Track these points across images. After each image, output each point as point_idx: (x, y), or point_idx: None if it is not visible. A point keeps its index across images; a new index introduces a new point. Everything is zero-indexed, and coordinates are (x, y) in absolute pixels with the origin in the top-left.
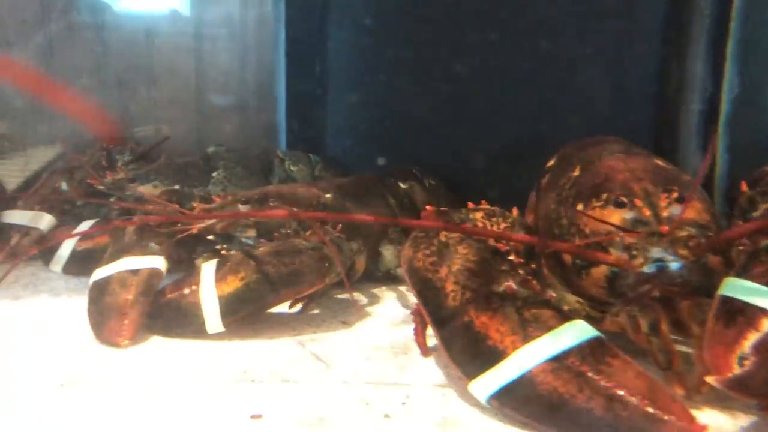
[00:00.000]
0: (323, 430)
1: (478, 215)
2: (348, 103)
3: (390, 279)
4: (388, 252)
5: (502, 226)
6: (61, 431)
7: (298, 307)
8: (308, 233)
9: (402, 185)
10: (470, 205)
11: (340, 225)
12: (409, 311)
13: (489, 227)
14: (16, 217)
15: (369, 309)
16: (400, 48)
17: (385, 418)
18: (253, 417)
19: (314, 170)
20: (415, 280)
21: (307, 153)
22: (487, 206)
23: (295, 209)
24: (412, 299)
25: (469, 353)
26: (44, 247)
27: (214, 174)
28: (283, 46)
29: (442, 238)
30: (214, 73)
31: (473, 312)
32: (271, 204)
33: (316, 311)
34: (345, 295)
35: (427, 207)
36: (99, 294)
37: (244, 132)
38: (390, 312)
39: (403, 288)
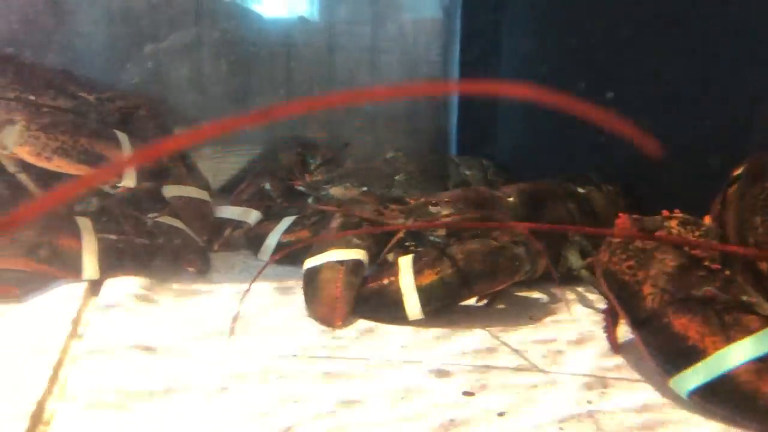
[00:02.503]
0: (530, 410)
1: (674, 223)
2: (519, 111)
3: (569, 279)
4: (569, 254)
5: (697, 234)
6: (299, 393)
7: (485, 301)
8: (496, 233)
9: (580, 190)
10: (665, 212)
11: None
12: (589, 309)
13: (684, 235)
14: (228, 212)
15: (552, 307)
16: (572, 56)
17: (587, 403)
18: (465, 394)
19: (486, 174)
20: (611, 282)
21: (479, 158)
22: (681, 214)
23: (482, 213)
24: (592, 299)
25: (669, 351)
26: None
27: (396, 177)
28: (456, 57)
29: (639, 244)
30: (389, 83)
31: (672, 314)
32: (460, 207)
33: (501, 306)
34: (526, 293)
35: (620, 215)
36: (313, 281)
37: (417, 138)
38: (573, 310)
39: (581, 288)
